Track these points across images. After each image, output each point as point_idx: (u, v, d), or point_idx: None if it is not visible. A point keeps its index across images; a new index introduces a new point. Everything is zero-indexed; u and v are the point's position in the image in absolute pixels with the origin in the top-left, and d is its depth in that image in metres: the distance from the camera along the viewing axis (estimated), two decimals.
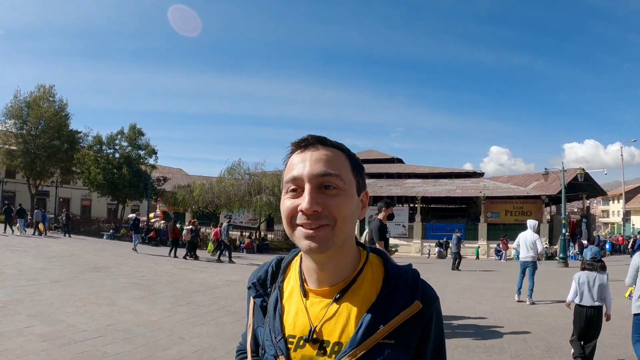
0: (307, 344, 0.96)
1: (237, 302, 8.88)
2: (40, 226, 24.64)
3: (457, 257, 19.15)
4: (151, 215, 35.81)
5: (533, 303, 9.64)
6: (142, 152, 34.96)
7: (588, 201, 40.36)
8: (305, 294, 1.02)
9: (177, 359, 5.24)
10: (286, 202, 0.96)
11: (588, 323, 5.23)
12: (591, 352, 5.21)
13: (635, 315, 4.68)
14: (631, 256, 5.21)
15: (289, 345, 0.98)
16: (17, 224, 23.62)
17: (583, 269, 5.52)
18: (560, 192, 24.55)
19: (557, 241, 25.68)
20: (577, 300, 5.36)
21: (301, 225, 0.93)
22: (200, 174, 44.64)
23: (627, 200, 55.37)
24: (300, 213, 0.92)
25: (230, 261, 18.40)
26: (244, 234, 30.77)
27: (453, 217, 36.34)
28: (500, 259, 27.78)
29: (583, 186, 30.62)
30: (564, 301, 5.79)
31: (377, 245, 6.69)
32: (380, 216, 6.97)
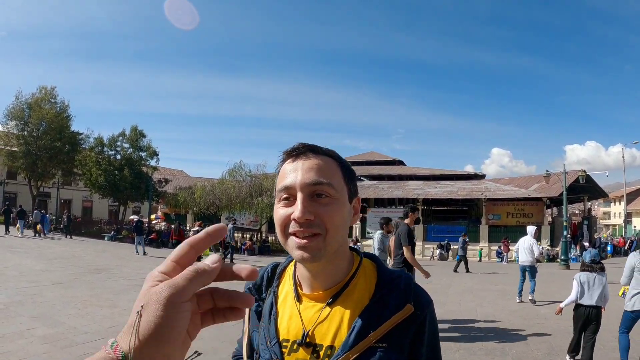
0: (301, 348, 0.97)
1: None
2: (38, 227, 24.68)
3: (463, 259, 19.18)
4: (152, 216, 35.83)
5: (534, 302, 10.04)
6: (143, 154, 34.94)
7: (589, 203, 40.29)
8: (299, 298, 1.03)
9: None
10: (279, 211, 0.97)
11: (588, 322, 5.39)
12: (590, 348, 5.32)
13: (626, 311, 5.07)
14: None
15: (283, 350, 0.99)
16: (17, 225, 23.67)
17: (583, 270, 5.66)
18: (561, 194, 24.49)
19: (558, 243, 25.62)
20: (577, 300, 5.51)
21: (294, 234, 0.93)
22: (201, 175, 44.73)
23: (628, 202, 55.31)
24: (293, 221, 0.93)
25: (231, 262, 18.40)
26: (245, 235, 30.76)
27: (454, 219, 36.28)
28: (501, 261, 27.74)
29: (584, 188, 30.56)
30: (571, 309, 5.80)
31: (405, 250, 6.68)
32: (407, 221, 6.96)
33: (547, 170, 25.89)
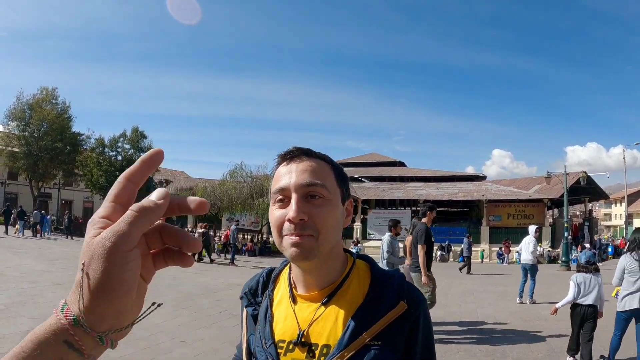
0: (297, 348, 0.99)
1: (239, 306, 8.83)
2: (37, 227, 24.76)
3: (468, 260, 19.18)
4: None
5: (534, 302, 10.17)
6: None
7: (590, 204, 40.25)
8: (294, 299, 1.05)
9: None
10: (274, 212, 0.98)
11: (584, 321, 5.55)
12: (589, 345, 5.47)
13: (618, 312, 5.24)
14: None
15: (279, 350, 1.00)
16: (17, 226, 23.73)
17: (579, 271, 5.91)
18: (562, 196, 24.46)
19: (559, 245, 25.57)
20: (574, 300, 5.70)
21: (288, 235, 0.95)
22: (202, 176, 44.62)
23: (629, 204, 55.25)
24: (287, 222, 0.95)
25: (232, 263, 18.49)
26: (245, 236, 30.76)
27: (455, 220, 36.19)
28: (502, 262, 27.70)
29: (585, 189, 30.49)
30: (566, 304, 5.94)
31: (419, 249, 6.66)
32: (425, 220, 6.93)
33: (548, 172, 25.88)
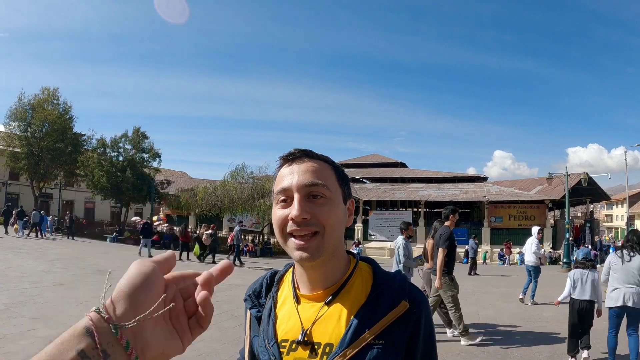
0: (299, 347, 1.00)
1: (239, 307, 8.85)
2: (34, 228, 24.82)
3: (472, 261, 19.14)
4: (154, 218, 35.88)
5: (535, 304, 10.18)
6: (145, 155, 34.99)
7: (592, 206, 40.18)
8: (297, 299, 1.07)
9: None
10: (277, 212, 1.01)
11: (580, 316, 5.76)
12: (588, 336, 5.73)
13: (609, 308, 5.39)
14: None
15: (282, 350, 1.01)
16: (15, 225, 23.80)
17: (576, 267, 6.16)
18: (563, 197, 24.41)
19: (560, 246, 25.54)
20: (571, 295, 5.97)
21: (291, 234, 0.98)
22: (203, 177, 44.64)
23: (631, 205, 55.13)
24: (290, 221, 0.97)
25: (238, 264, 18.58)
26: (247, 237, 30.75)
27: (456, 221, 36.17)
28: (503, 263, 27.67)
29: (587, 191, 30.44)
30: (567, 305, 6.09)
31: (439, 252, 6.59)
32: (448, 223, 6.88)
33: (549, 173, 25.83)
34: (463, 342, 6.57)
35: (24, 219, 24.56)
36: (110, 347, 0.51)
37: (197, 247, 20.39)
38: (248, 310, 1.15)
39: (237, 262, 18.75)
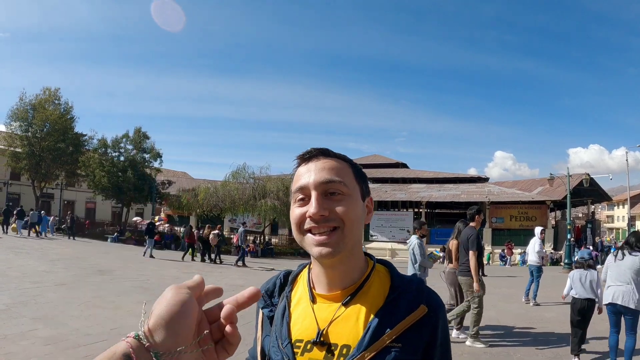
0: (315, 347, 0.98)
1: None
2: (33, 228, 24.90)
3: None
4: (155, 218, 35.91)
5: (537, 304, 10.23)
6: (147, 156, 34.99)
7: (593, 206, 40.16)
8: (313, 299, 1.05)
9: None
10: (295, 210, 1.01)
11: (581, 313, 5.96)
12: (582, 337, 5.94)
13: (606, 305, 5.53)
14: None
15: (295, 350, 0.99)
16: (14, 225, 23.85)
17: (576, 267, 6.41)
18: (565, 198, 24.37)
19: (562, 247, 25.49)
20: (572, 294, 6.21)
21: (310, 231, 0.97)
22: (205, 177, 44.62)
23: (632, 206, 55.01)
24: (308, 219, 0.96)
25: (236, 265, 18.56)
26: (248, 238, 30.74)
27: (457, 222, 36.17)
28: (504, 264, 27.63)
29: (588, 191, 30.40)
30: (569, 305, 6.30)
31: (471, 255, 6.55)
32: (474, 224, 6.82)
33: (550, 174, 25.77)
34: (469, 342, 6.55)
35: (24, 219, 24.61)
36: None
37: (190, 250, 20.40)
38: (260, 309, 1.13)
39: (240, 263, 18.70)
